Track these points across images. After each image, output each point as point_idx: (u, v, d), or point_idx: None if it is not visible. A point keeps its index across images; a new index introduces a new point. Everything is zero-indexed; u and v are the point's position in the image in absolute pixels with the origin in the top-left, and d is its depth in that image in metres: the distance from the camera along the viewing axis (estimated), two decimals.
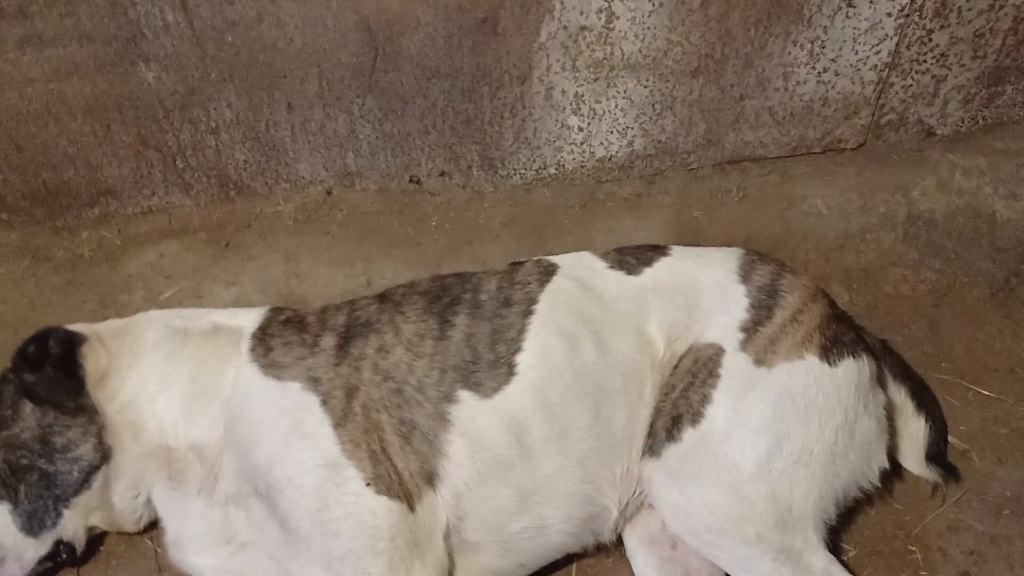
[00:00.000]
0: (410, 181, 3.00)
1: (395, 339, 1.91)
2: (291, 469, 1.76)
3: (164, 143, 2.78)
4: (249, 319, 2.03)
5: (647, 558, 2.00)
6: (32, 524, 1.88)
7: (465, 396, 1.86)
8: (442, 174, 2.98)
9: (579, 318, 1.97)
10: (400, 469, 1.79)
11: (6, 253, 2.89)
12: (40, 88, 2.60)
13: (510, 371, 1.89)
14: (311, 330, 1.96)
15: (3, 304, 2.76)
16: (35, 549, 1.91)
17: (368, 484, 1.75)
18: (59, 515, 1.90)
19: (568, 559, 2.06)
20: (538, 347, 1.92)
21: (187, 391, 1.91)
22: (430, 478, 1.82)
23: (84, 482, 1.89)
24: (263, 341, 1.95)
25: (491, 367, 1.89)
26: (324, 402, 1.82)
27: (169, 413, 1.90)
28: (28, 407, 1.86)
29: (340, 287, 2.72)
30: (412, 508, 1.78)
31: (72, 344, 1.92)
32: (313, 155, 2.88)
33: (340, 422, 1.80)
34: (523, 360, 1.91)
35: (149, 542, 2.15)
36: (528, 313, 1.97)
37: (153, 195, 2.92)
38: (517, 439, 1.85)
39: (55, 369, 1.86)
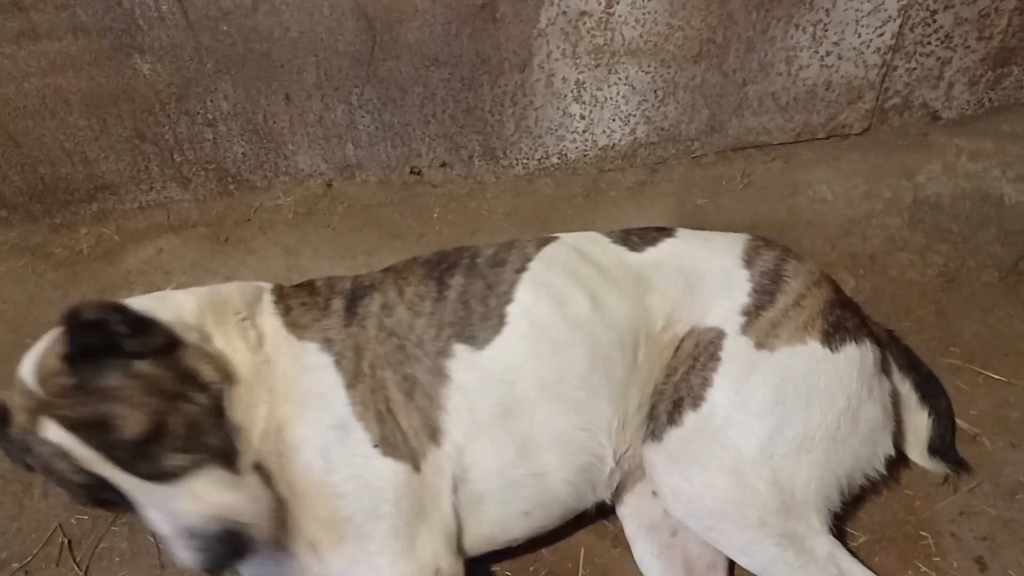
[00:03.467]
0: (411, 172, 2.98)
1: (398, 298, 1.94)
2: (306, 428, 1.76)
3: (161, 136, 2.76)
4: (260, 283, 2.05)
5: (647, 545, 1.99)
6: (234, 463, 1.69)
7: (460, 349, 1.87)
8: (443, 165, 2.96)
9: (573, 276, 1.98)
10: (404, 427, 1.80)
11: (5, 251, 2.88)
12: (36, 82, 2.59)
13: (500, 321, 1.90)
14: (322, 293, 1.97)
15: (3, 302, 2.74)
16: (254, 489, 1.68)
17: (375, 446, 1.76)
18: (237, 438, 1.73)
19: (576, 548, 2.04)
20: (529, 298, 1.93)
21: (238, 327, 1.87)
22: (433, 434, 1.82)
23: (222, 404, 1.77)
24: (282, 300, 1.96)
25: (482, 319, 1.91)
26: (337, 362, 1.83)
27: (229, 346, 1.85)
28: (146, 365, 1.66)
29: None
30: (417, 468, 1.78)
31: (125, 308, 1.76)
32: (312, 147, 2.86)
33: (352, 382, 1.81)
34: (513, 311, 1.91)
35: (152, 539, 2.14)
36: (521, 270, 1.98)
37: (151, 190, 2.90)
38: (511, 387, 1.86)
39: (136, 327, 1.69)
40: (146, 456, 1.54)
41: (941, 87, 2.97)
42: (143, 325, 1.67)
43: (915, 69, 2.90)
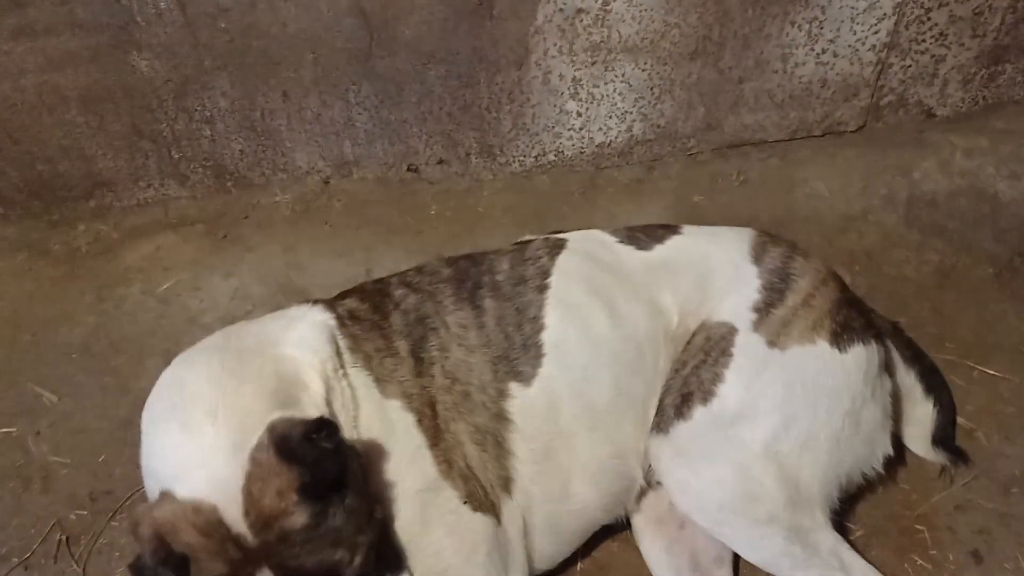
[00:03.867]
0: (408, 169, 2.98)
1: (447, 334, 1.83)
2: (400, 495, 1.66)
3: (159, 133, 2.76)
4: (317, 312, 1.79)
5: (654, 539, 1.99)
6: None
7: (514, 388, 1.83)
8: (440, 162, 2.97)
9: (591, 289, 1.95)
10: (484, 482, 1.76)
11: (3, 247, 2.88)
12: (34, 79, 2.59)
13: (538, 352, 1.86)
14: (383, 331, 1.78)
15: (1, 298, 2.74)
16: None
17: (465, 502, 1.71)
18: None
19: None
20: (557, 323, 1.89)
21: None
22: (505, 484, 1.79)
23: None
24: (357, 345, 1.72)
25: (523, 350, 1.86)
26: (419, 421, 1.72)
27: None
28: (352, 498, 1.44)
29: (340, 277, 2.69)
30: (499, 520, 1.76)
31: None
32: (310, 144, 2.87)
33: (434, 441, 1.72)
34: (547, 338, 1.88)
35: None
36: (543, 288, 1.93)
37: (149, 187, 2.90)
38: (555, 422, 1.84)
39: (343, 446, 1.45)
40: None
41: (936, 84, 2.98)
42: (347, 449, 1.43)
43: (910, 67, 2.92)
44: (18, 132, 2.68)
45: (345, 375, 1.67)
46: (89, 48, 2.54)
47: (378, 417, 1.67)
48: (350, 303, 1.84)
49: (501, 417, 1.80)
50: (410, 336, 1.79)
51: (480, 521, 1.71)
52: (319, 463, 1.35)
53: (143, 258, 2.81)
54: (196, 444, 1.40)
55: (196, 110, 2.73)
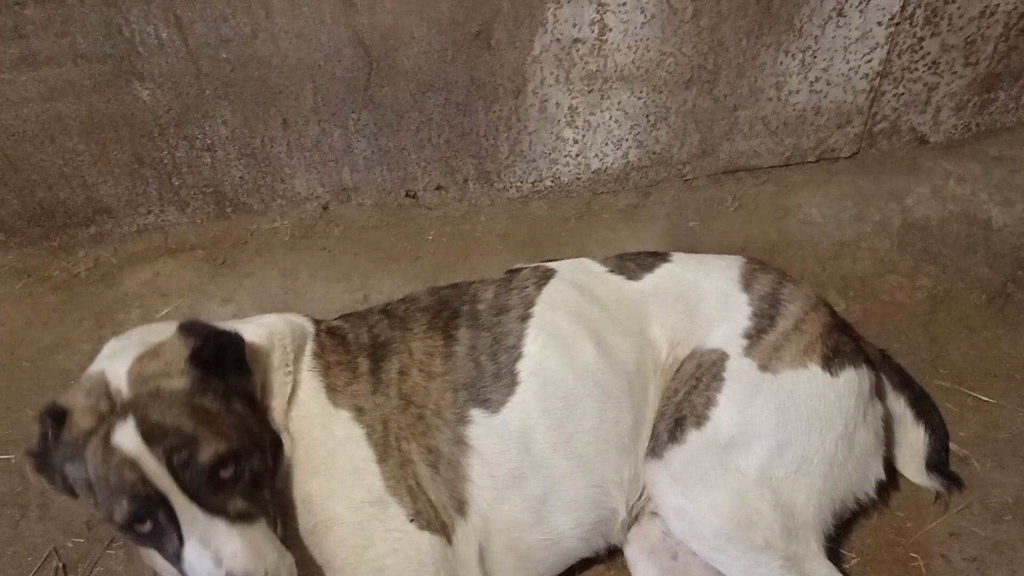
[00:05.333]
0: (406, 195, 3.00)
1: (409, 359, 1.88)
2: (340, 505, 1.71)
3: (159, 161, 2.79)
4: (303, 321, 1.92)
5: (648, 569, 1.98)
6: (279, 524, 1.63)
7: (476, 415, 1.85)
8: (438, 188, 2.99)
9: (578, 320, 1.96)
10: (435, 502, 1.77)
11: (3, 273, 2.89)
12: (36, 108, 2.62)
13: (513, 381, 1.88)
14: (351, 348, 1.88)
15: (0, 325, 2.75)
16: (290, 558, 1.59)
17: (411, 520, 1.72)
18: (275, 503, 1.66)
19: (570, 571, 2.03)
20: (537, 352, 1.91)
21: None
22: (460, 506, 1.80)
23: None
24: (322, 354, 1.84)
25: (495, 379, 1.88)
26: (368, 435, 1.77)
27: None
28: (240, 406, 1.60)
29: (338, 302, 2.71)
30: (449, 541, 1.76)
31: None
32: (309, 171, 2.89)
33: (383, 457, 1.76)
34: (524, 367, 1.90)
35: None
36: (526, 318, 1.95)
37: (148, 213, 2.92)
38: (527, 449, 1.84)
39: (239, 363, 1.64)
40: (214, 489, 1.47)
41: (929, 112, 3.01)
42: (246, 366, 1.62)
43: (903, 94, 2.95)
44: (19, 160, 2.70)
45: (293, 371, 1.77)
46: (91, 77, 2.57)
47: (320, 422, 1.74)
48: (335, 322, 1.97)
49: (459, 442, 1.82)
50: (372, 356, 1.86)
51: (427, 540, 1.72)
52: (216, 337, 1.57)
53: (142, 284, 2.83)
54: (122, 347, 1.63)
55: (197, 138, 2.75)
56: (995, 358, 2.53)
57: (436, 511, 1.76)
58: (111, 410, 1.49)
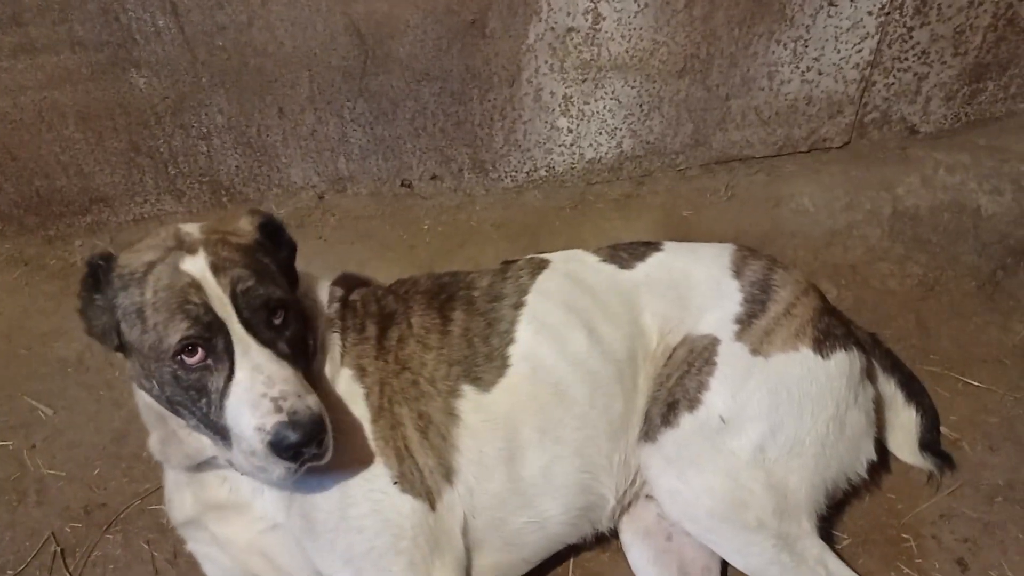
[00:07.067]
0: (401, 185, 3.02)
1: (408, 331, 1.93)
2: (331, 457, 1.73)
3: (155, 149, 2.80)
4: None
5: (642, 551, 2.01)
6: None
7: (468, 390, 1.88)
8: (433, 177, 3.01)
9: (570, 309, 1.99)
10: (421, 466, 1.80)
11: (0, 262, 2.89)
12: (33, 96, 2.62)
13: (504, 364, 1.91)
14: (358, 313, 1.95)
15: None
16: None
17: (395, 482, 1.75)
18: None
19: (565, 553, 2.06)
20: (529, 338, 1.94)
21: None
22: (447, 473, 1.82)
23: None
24: (342, 314, 1.93)
25: (487, 360, 1.91)
26: (367, 396, 1.82)
27: None
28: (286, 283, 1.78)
29: None
30: (433, 507, 1.78)
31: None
32: (305, 160, 2.90)
33: (375, 417, 1.80)
34: (515, 352, 1.93)
35: (146, 546, 2.15)
36: (519, 306, 1.99)
37: (145, 202, 2.93)
38: (515, 430, 1.87)
39: (290, 266, 1.84)
40: (267, 324, 1.60)
41: (919, 102, 3.04)
42: (295, 273, 1.83)
43: (893, 84, 2.98)
44: (16, 148, 2.71)
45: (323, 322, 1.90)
46: (88, 65, 2.58)
47: (327, 372, 1.83)
48: (363, 292, 2.05)
49: (450, 413, 1.86)
50: (379, 324, 1.94)
51: (408, 504, 1.74)
52: (282, 225, 1.79)
53: None
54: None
55: (193, 126, 2.76)
56: (985, 344, 2.57)
57: (422, 475, 1.79)
58: (179, 246, 1.63)
